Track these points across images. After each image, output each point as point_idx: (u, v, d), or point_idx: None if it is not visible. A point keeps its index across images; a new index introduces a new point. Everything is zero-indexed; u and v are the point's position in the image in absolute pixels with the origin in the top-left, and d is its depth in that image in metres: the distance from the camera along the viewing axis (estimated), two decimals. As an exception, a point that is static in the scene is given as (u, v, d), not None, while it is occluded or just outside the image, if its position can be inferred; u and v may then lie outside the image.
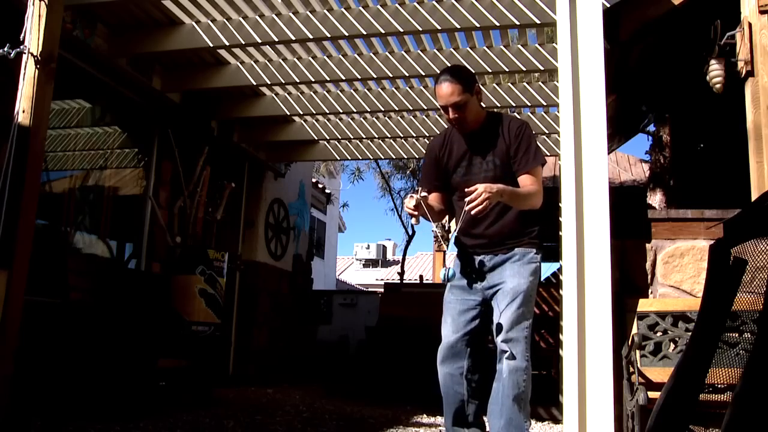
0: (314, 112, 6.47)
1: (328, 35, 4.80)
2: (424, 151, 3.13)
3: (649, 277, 3.60)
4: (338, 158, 8.11)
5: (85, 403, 4.11)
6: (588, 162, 3.00)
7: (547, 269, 13.72)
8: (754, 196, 3.50)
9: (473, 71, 2.87)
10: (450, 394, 2.64)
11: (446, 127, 2.92)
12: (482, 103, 2.83)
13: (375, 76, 5.57)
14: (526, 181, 2.61)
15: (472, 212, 2.36)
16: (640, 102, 6.36)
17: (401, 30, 4.68)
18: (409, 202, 2.49)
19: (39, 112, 3.03)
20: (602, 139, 3.02)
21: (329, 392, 6.48)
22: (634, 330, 3.27)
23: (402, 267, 13.09)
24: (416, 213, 2.51)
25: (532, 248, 2.66)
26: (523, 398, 2.48)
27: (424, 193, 2.51)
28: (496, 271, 2.64)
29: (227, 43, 5.01)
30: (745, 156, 3.68)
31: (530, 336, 2.57)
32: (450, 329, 2.66)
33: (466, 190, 2.41)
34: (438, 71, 5.33)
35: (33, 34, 3.03)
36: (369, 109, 6.33)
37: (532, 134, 2.72)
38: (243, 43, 5.02)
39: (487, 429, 2.62)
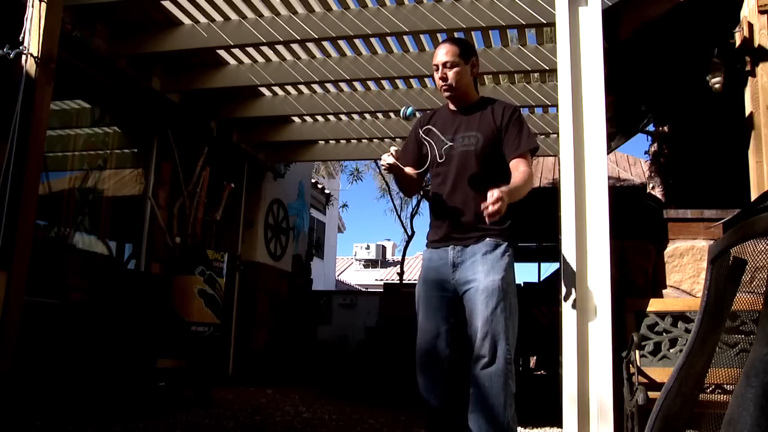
0: (313, 112, 6.47)
1: (327, 35, 4.80)
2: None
3: (649, 277, 3.60)
4: (338, 158, 8.11)
5: (85, 403, 4.11)
6: (588, 162, 3.00)
7: (547, 269, 13.71)
8: (753, 196, 3.50)
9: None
10: (430, 398, 2.48)
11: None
12: (477, 86, 2.76)
13: (374, 76, 5.57)
14: (519, 165, 2.50)
15: (489, 217, 2.26)
16: (640, 102, 6.35)
17: (400, 30, 4.68)
18: (387, 158, 2.48)
19: (39, 112, 3.04)
20: (602, 139, 3.03)
21: (329, 393, 6.48)
22: (634, 330, 3.27)
23: (401, 267, 13.08)
24: (391, 170, 2.52)
25: (504, 240, 2.49)
26: (509, 404, 2.33)
27: (393, 150, 2.50)
28: (467, 264, 2.48)
29: (226, 44, 5.01)
30: (745, 156, 3.68)
31: (514, 333, 2.39)
32: (424, 329, 2.50)
33: (489, 196, 2.24)
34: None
35: (32, 35, 3.03)
36: (368, 109, 6.34)
37: (524, 119, 2.64)
38: (242, 43, 5.03)
39: None
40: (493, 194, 2.23)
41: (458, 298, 2.50)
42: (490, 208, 2.21)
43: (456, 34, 5.07)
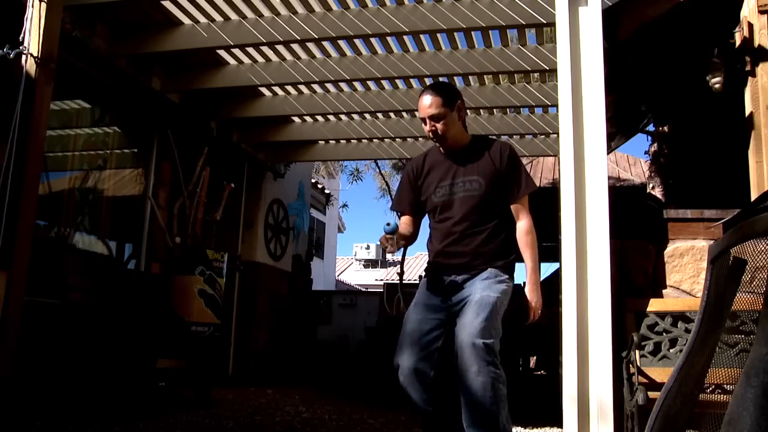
0: (313, 112, 6.47)
1: (327, 35, 4.80)
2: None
3: (649, 277, 3.60)
4: (337, 158, 8.11)
5: (85, 403, 4.11)
6: (588, 162, 3.00)
7: (547, 269, 13.71)
8: (753, 196, 3.50)
9: (460, 88, 2.82)
10: (424, 411, 2.50)
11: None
12: (467, 127, 2.76)
13: (374, 76, 5.57)
14: (519, 214, 2.61)
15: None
16: (640, 102, 6.35)
17: (400, 30, 4.68)
18: (385, 243, 2.52)
19: (39, 112, 3.04)
20: (602, 139, 3.03)
21: (329, 393, 6.48)
22: (634, 330, 3.27)
23: (401, 267, 13.06)
24: (390, 249, 2.55)
25: (505, 273, 2.57)
26: (503, 407, 2.34)
27: (385, 240, 2.51)
28: (465, 287, 2.55)
29: (226, 44, 5.01)
30: (745, 156, 3.69)
31: (497, 346, 2.40)
32: (409, 351, 2.49)
33: (532, 309, 2.57)
34: (438, 70, 5.36)
35: (32, 35, 3.03)
36: (368, 109, 6.33)
37: (520, 159, 2.71)
38: (242, 43, 5.02)
39: None
40: (529, 310, 2.56)
41: (449, 321, 2.53)
42: (536, 317, 2.58)
43: (456, 34, 5.08)
